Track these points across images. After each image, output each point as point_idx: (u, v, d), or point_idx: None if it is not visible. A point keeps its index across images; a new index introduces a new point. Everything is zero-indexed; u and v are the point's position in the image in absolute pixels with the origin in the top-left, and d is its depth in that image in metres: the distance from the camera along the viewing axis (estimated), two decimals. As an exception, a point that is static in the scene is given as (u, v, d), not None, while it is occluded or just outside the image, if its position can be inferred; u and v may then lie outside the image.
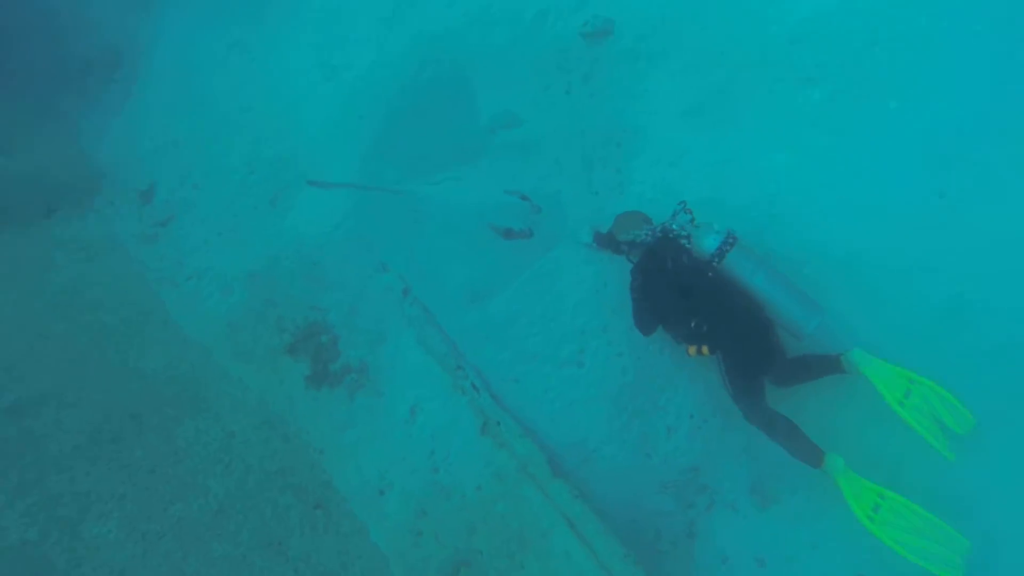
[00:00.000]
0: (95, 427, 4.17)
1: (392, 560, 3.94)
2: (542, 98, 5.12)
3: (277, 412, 4.54)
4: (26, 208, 5.54)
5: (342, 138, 5.43)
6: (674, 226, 3.89)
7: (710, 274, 3.68)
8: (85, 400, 4.30)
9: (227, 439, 4.33)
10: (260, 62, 6.09)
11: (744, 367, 3.59)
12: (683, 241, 3.79)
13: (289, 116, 5.69)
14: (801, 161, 4.12)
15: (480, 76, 5.32)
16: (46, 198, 5.67)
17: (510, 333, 4.47)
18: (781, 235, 3.99)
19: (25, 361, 4.43)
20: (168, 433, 4.25)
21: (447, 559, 3.84)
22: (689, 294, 3.69)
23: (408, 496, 4.11)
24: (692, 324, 3.67)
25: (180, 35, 6.74)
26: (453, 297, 4.71)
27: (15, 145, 5.93)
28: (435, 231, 4.96)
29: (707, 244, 3.66)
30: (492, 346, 4.46)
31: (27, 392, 4.27)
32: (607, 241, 4.31)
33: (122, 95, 6.66)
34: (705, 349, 3.62)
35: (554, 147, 4.98)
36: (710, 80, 4.53)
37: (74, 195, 5.81)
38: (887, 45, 4.12)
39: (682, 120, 4.59)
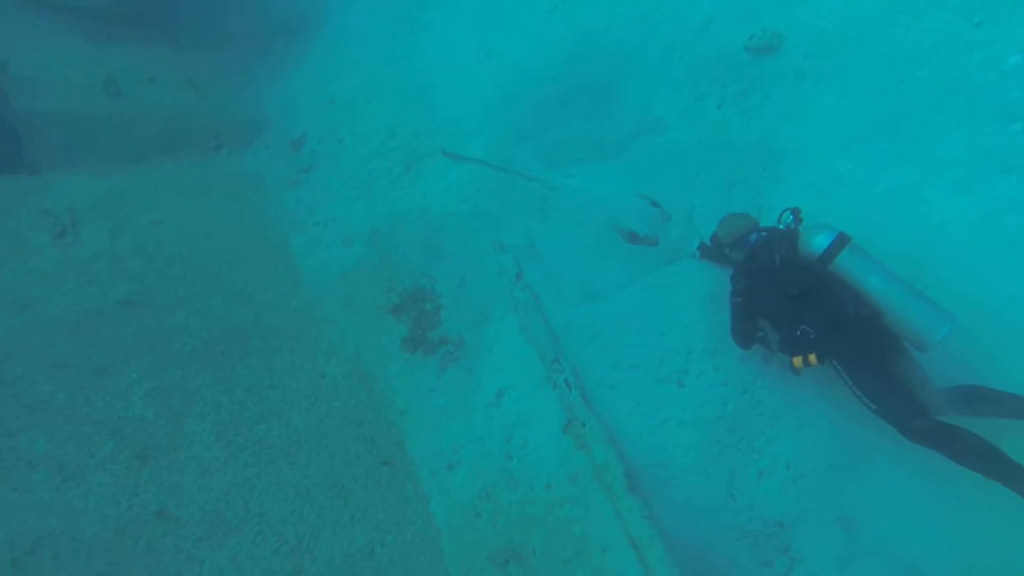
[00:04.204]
0: (211, 338, 4.47)
1: (446, 534, 3.88)
2: (693, 108, 4.92)
3: (368, 366, 4.65)
4: (201, 139, 6.14)
5: (486, 118, 5.51)
6: (780, 226, 3.68)
7: (819, 276, 3.37)
8: (208, 312, 4.63)
9: (318, 379, 4.48)
10: (422, 37, 6.34)
11: (874, 374, 3.20)
12: (788, 241, 3.52)
13: (439, 90, 5.87)
14: (984, 211, 3.58)
15: (633, 77, 5.20)
16: (218, 134, 6.26)
17: (615, 338, 4.27)
18: (940, 289, 3.50)
19: (173, 267, 4.86)
20: (268, 360, 4.47)
21: (499, 547, 3.71)
22: (796, 297, 3.39)
23: (476, 476, 4.03)
24: (798, 332, 3.35)
25: (361, 8, 7.19)
26: (565, 290, 4.60)
27: (205, 86, 6.58)
28: (560, 222, 4.89)
29: (816, 243, 3.37)
30: (594, 347, 4.29)
31: (170, 292, 4.68)
32: (713, 251, 4.13)
33: (299, 55, 7.24)
34: (812, 358, 3.31)
35: (697, 159, 4.76)
36: (884, 107, 4.09)
37: (240, 135, 6.37)
38: None
39: (842, 148, 4.19)
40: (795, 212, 3.70)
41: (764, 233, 3.74)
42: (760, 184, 4.46)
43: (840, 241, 3.33)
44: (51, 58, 5.47)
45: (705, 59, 4.99)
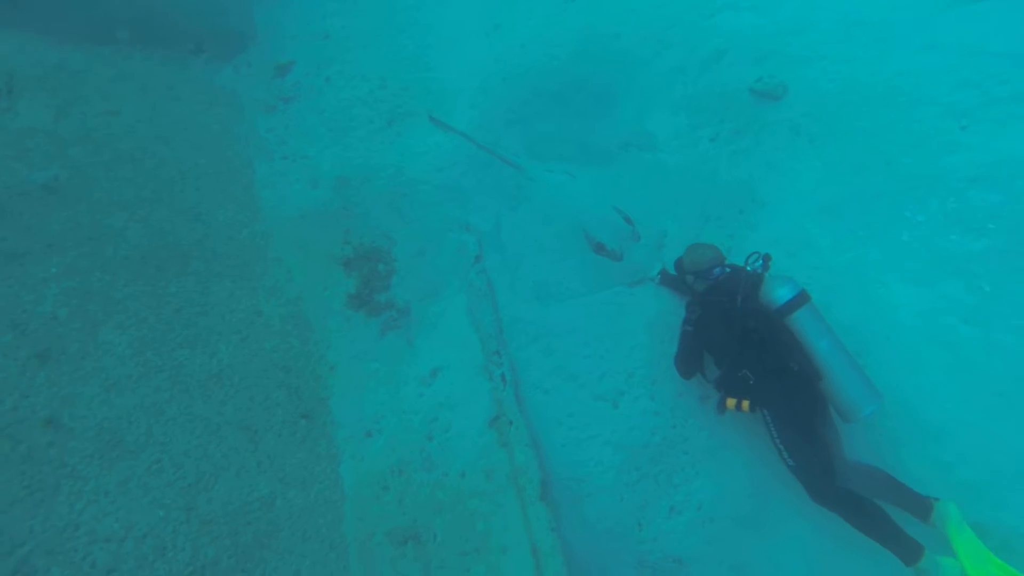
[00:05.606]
0: (148, 250, 4.18)
1: (350, 501, 3.79)
2: (686, 134, 4.93)
3: (308, 314, 4.48)
4: (181, 39, 5.71)
5: (481, 92, 5.37)
6: (747, 268, 3.70)
7: (774, 326, 3.43)
8: (152, 220, 4.33)
9: (253, 315, 4.28)
10: (436, -6, 6.11)
11: (800, 431, 3.29)
12: (752, 284, 3.56)
13: (440, 52, 5.68)
14: (930, 307, 3.74)
15: (634, 89, 5.17)
16: (200, 37, 5.83)
17: (559, 344, 4.27)
18: (877, 369, 3.61)
19: (123, 165, 4.50)
20: (205, 285, 4.23)
21: (401, 526, 3.66)
22: (745, 339, 3.44)
23: (393, 449, 3.95)
24: (739, 374, 3.43)
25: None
26: (520, 285, 4.55)
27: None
28: (530, 215, 4.81)
29: (779, 294, 3.43)
30: (537, 349, 4.28)
31: (113, 191, 4.33)
32: (674, 278, 4.19)
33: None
34: (746, 404, 3.38)
35: (678, 186, 4.77)
36: (864, 183, 4.20)
37: (223, 45, 5.96)
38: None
39: (818, 211, 4.28)
40: (765, 258, 3.73)
41: (728, 269, 3.78)
42: (734, 226, 4.51)
43: (801, 297, 3.40)
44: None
45: (709, 90, 5.01)
